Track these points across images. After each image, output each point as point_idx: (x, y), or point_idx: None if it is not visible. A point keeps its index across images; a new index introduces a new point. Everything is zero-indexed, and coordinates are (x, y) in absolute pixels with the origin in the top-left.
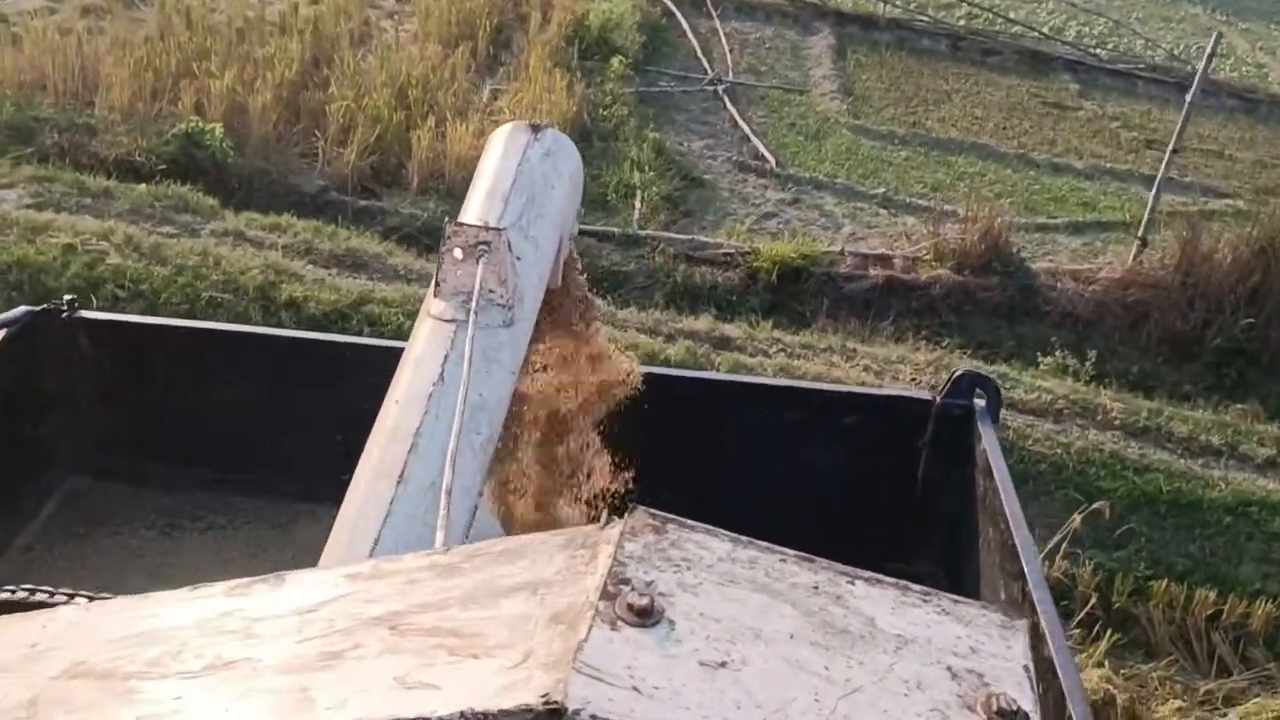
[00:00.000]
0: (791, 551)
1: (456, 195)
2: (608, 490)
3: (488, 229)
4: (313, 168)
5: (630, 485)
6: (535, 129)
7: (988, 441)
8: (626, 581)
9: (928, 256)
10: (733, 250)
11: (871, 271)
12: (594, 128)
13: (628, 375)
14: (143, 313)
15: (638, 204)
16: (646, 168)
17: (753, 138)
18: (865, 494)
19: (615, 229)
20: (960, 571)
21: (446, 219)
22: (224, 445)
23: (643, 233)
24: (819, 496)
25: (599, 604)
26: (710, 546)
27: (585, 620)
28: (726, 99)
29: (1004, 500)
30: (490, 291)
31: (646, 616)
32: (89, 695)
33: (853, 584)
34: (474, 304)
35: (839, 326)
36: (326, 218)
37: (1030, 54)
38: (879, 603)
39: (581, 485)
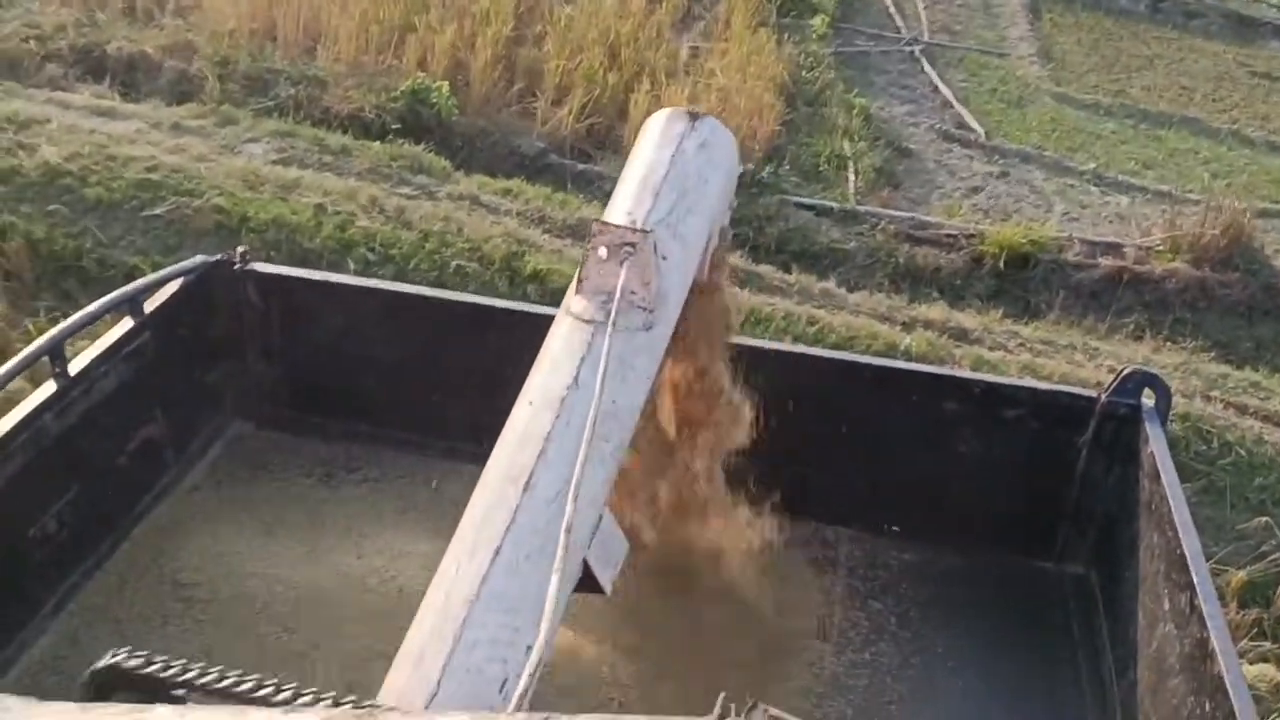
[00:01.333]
0: None
1: None
2: (752, 477)
3: (634, 230)
4: (530, 128)
5: (777, 474)
6: (693, 117)
7: (1155, 444)
8: None
9: (1161, 247)
10: (956, 231)
11: (1101, 261)
12: (798, 91)
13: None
14: (394, 278)
15: (851, 177)
16: (856, 137)
17: (956, 105)
18: (1019, 490)
19: (834, 203)
20: (1116, 577)
21: (595, 220)
22: (379, 400)
23: (861, 209)
24: (972, 490)
25: None
26: None
27: None
28: (925, 61)
29: (1173, 506)
30: (632, 293)
31: None
32: None
33: None
34: (614, 307)
35: (1073, 320)
36: (547, 181)
37: (1236, 17)
38: None
39: (719, 484)
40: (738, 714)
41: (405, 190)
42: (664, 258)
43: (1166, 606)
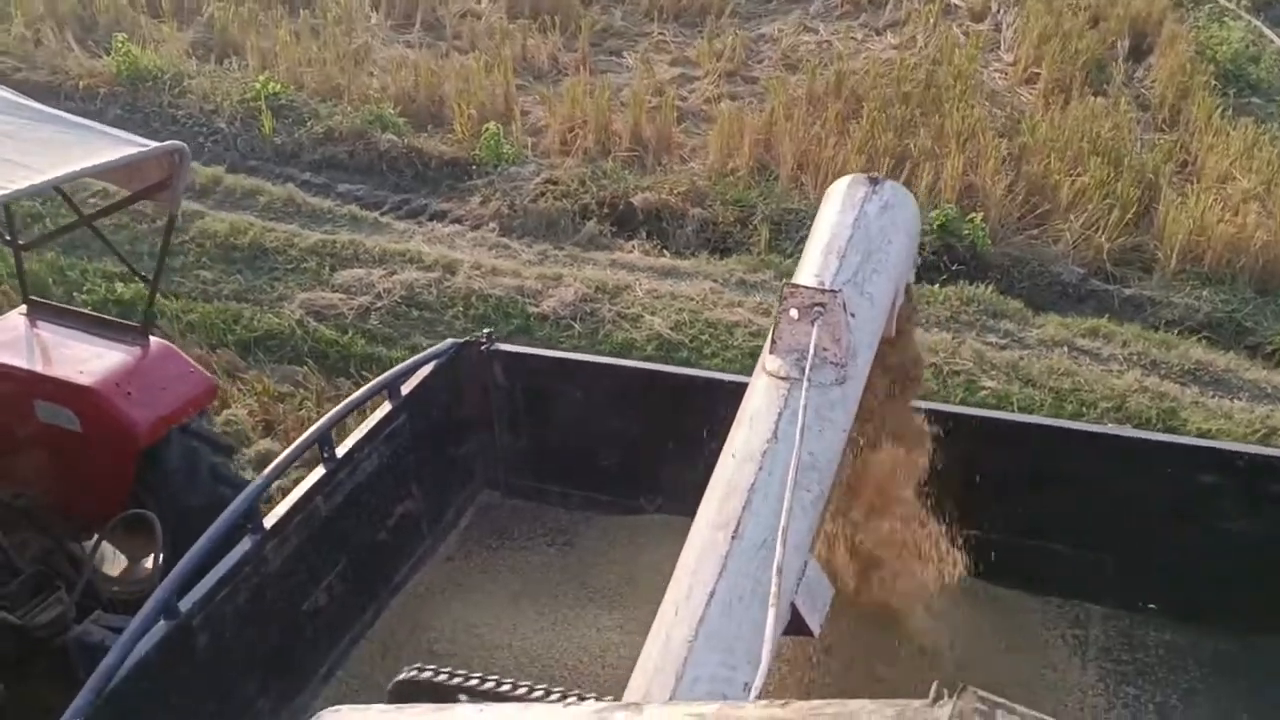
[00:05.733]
0: None
1: (1218, 280)
2: (974, 538)
3: (823, 291)
4: (1052, 250)
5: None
6: (874, 181)
7: None
8: None
9: None
10: None
11: None
12: None
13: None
14: None
15: None
16: None
17: None
18: None
19: None
20: None
21: (784, 282)
22: (613, 470)
23: None
24: (1239, 569)
25: None
26: None
27: None
28: None
29: None
30: (824, 350)
31: None
32: None
33: None
34: (808, 366)
35: None
36: (1091, 309)
37: None
38: None
39: (922, 538)
40: (950, 696)
41: (993, 339)
42: (853, 315)
43: None
